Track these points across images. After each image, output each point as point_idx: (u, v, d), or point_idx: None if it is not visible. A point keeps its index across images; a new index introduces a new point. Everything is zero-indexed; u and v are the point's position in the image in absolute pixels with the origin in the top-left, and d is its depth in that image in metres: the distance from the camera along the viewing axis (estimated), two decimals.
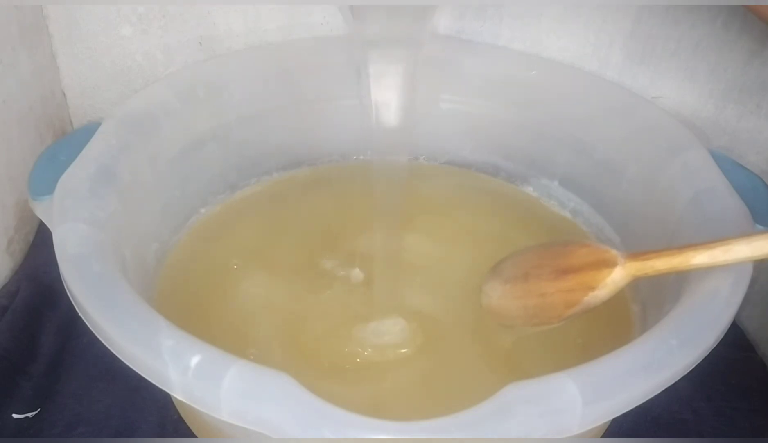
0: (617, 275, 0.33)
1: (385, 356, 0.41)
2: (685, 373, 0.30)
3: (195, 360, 0.28)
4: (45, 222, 0.36)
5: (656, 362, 0.29)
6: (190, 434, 0.40)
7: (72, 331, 0.45)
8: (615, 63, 0.53)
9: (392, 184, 0.41)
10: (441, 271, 0.46)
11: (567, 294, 0.35)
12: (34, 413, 0.41)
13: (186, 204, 0.48)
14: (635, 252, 0.34)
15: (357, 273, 0.45)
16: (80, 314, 0.31)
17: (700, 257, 0.31)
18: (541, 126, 0.51)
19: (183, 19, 0.54)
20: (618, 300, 0.36)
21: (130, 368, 0.29)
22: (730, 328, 0.31)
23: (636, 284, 0.36)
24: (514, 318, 0.39)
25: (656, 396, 0.29)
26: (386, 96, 0.39)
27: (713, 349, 0.30)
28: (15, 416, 0.40)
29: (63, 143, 0.40)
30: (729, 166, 0.41)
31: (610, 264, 0.34)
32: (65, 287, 0.32)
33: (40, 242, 0.51)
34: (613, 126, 0.48)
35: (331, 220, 0.50)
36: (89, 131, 0.41)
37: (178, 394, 0.28)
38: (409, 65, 0.38)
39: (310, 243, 0.48)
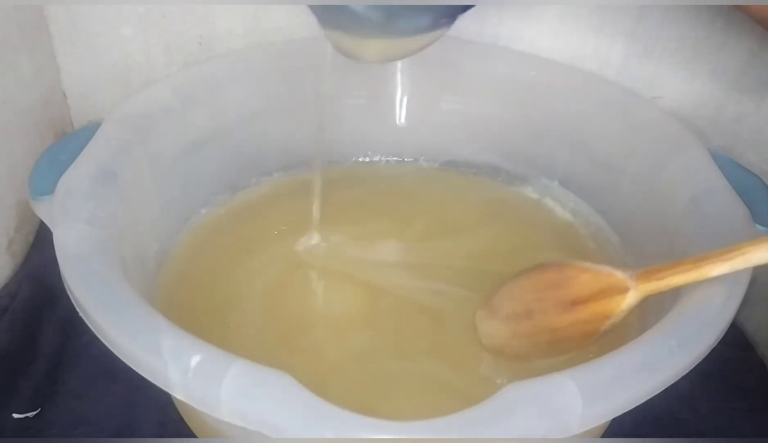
0: (631, 299, 0.33)
1: (388, 356, 0.41)
2: (684, 373, 0.29)
3: (195, 360, 0.28)
4: (45, 222, 0.36)
5: (656, 362, 0.29)
6: (191, 434, 0.40)
7: (72, 331, 0.45)
8: (615, 63, 0.53)
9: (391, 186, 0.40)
10: (442, 271, 0.46)
11: (582, 325, 0.34)
12: (34, 413, 0.41)
13: (186, 204, 0.49)
14: (645, 271, 0.33)
15: (359, 274, 0.46)
16: (80, 314, 0.31)
17: (719, 270, 0.31)
18: (541, 126, 0.52)
19: (183, 19, 0.54)
20: None
21: (130, 368, 0.29)
22: (729, 328, 0.31)
23: None
24: (526, 355, 0.38)
25: (656, 396, 0.29)
26: None
27: (713, 349, 0.30)
28: (15, 416, 0.40)
29: (63, 143, 0.40)
30: (729, 166, 0.41)
31: (621, 290, 0.33)
32: (65, 287, 0.32)
33: (41, 242, 0.51)
34: (613, 126, 0.48)
35: (332, 221, 0.50)
36: (89, 131, 0.41)
37: (178, 394, 0.28)
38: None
39: (312, 241, 0.48)
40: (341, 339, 0.42)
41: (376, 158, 0.56)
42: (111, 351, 0.30)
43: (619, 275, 0.33)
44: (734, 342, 0.47)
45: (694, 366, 0.30)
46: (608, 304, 0.33)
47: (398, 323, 0.43)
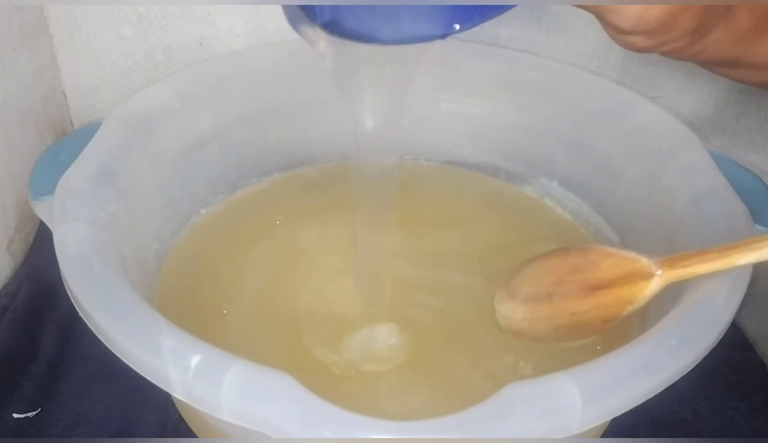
0: (655, 286, 0.32)
1: (385, 356, 0.41)
2: (684, 373, 0.30)
3: (195, 360, 0.28)
4: (45, 222, 0.36)
5: (656, 362, 0.29)
6: (191, 434, 0.40)
7: (72, 331, 0.45)
8: (615, 63, 0.53)
9: (382, 185, 0.40)
10: (441, 270, 0.47)
11: (603, 310, 0.34)
12: (34, 412, 0.41)
13: (186, 204, 0.49)
14: (671, 258, 0.32)
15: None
16: (81, 314, 0.31)
17: (747, 258, 0.30)
18: (541, 126, 0.52)
19: (183, 20, 0.55)
20: None
21: (130, 368, 0.29)
22: (729, 328, 0.31)
23: None
24: (544, 338, 0.38)
25: (656, 396, 0.29)
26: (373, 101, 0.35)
27: (713, 349, 0.31)
28: (16, 415, 0.40)
29: (63, 143, 0.40)
30: (728, 166, 0.41)
31: (645, 276, 0.33)
32: (66, 287, 0.32)
33: (41, 242, 0.51)
34: (613, 126, 0.48)
35: (331, 220, 0.50)
36: (90, 131, 0.41)
37: (178, 394, 0.28)
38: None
39: (311, 243, 0.48)
40: (341, 340, 0.42)
41: None
42: (111, 351, 0.30)
43: (644, 261, 0.33)
44: (734, 341, 0.47)
45: (694, 366, 0.30)
46: (631, 289, 0.33)
47: (403, 311, 0.43)
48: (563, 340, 0.37)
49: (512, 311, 0.39)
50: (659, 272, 0.32)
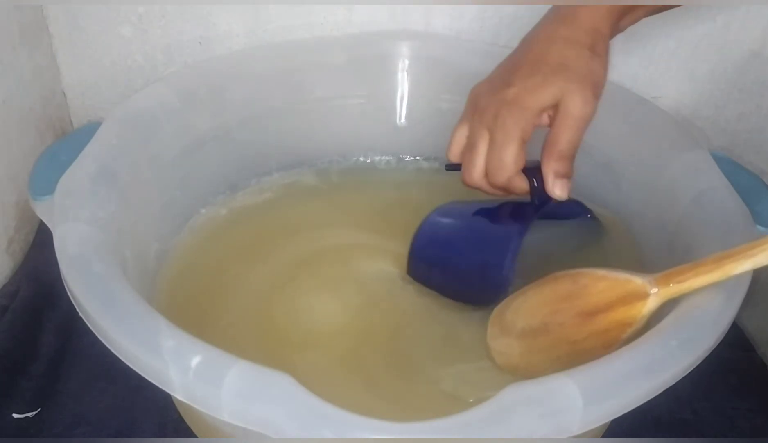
0: (652, 305, 0.32)
1: (391, 354, 0.41)
2: (685, 374, 0.29)
3: (196, 361, 0.28)
4: (45, 222, 0.36)
5: (656, 363, 0.29)
6: (191, 434, 0.40)
7: (72, 331, 0.45)
8: (615, 63, 0.52)
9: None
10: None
11: (602, 335, 0.33)
12: (34, 413, 0.41)
13: (186, 204, 0.49)
14: (664, 274, 0.32)
15: (358, 273, 0.46)
16: (80, 314, 0.31)
17: (742, 267, 0.30)
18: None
19: (183, 20, 0.55)
20: None
21: (130, 368, 0.29)
22: (730, 328, 0.31)
23: None
24: (544, 371, 0.36)
25: (656, 397, 0.29)
26: None
27: (713, 349, 0.30)
28: (15, 415, 0.40)
29: (63, 143, 0.40)
30: (729, 166, 0.41)
31: (640, 297, 0.32)
32: (65, 287, 0.32)
33: (41, 242, 0.51)
34: (613, 126, 0.47)
35: (331, 219, 0.50)
36: (89, 130, 0.41)
37: (178, 394, 0.28)
38: None
39: (311, 243, 0.48)
40: (338, 342, 0.42)
41: (377, 158, 0.56)
42: (111, 351, 0.30)
43: (638, 281, 0.32)
44: (735, 342, 0.47)
45: (694, 367, 0.30)
46: (628, 311, 0.32)
47: (401, 323, 0.43)
48: (567, 368, 0.36)
49: (508, 347, 0.38)
50: (654, 290, 0.32)
